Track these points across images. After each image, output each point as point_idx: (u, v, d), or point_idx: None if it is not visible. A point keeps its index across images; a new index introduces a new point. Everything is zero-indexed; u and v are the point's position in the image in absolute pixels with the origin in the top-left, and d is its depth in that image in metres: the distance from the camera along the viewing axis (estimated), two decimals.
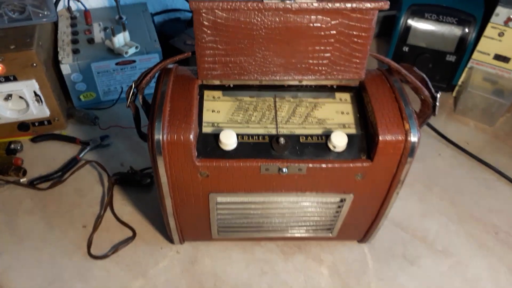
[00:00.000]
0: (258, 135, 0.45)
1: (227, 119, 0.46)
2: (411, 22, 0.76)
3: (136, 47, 0.72)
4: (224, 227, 0.53)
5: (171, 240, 0.56)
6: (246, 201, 0.49)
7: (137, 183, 0.63)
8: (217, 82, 0.47)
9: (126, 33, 0.72)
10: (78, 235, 0.57)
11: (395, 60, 0.56)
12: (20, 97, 0.65)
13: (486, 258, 0.57)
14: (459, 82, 0.78)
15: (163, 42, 0.76)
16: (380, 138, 0.42)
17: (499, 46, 0.71)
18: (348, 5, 0.41)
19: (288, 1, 0.40)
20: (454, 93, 0.80)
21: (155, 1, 0.86)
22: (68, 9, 0.78)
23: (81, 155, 0.67)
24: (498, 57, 0.72)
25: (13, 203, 0.61)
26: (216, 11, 0.41)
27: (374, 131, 0.43)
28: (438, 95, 0.46)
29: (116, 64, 0.71)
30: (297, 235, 0.55)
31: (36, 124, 0.69)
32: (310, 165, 0.44)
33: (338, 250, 0.57)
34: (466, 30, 0.73)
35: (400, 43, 0.78)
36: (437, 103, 0.46)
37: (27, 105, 0.66)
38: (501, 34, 0.69)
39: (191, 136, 0.42)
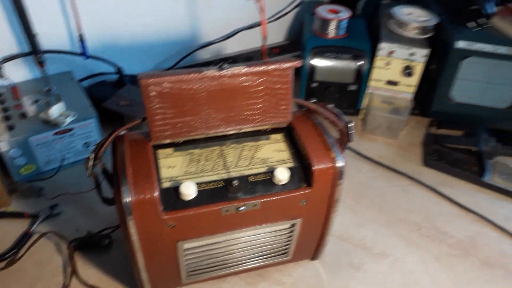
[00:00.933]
0: (214, 181, 0.51)
1: (183, 172, 0.52)
2: (315, 62, 0.89)
3: (73, 115, 0.74)
4: (192, 271, 0.58)
5: None
6: (210, 242, 0.54)
7: (96, 246, 0.65)
8: (168, 141, 0.53)
9: (61, 104, 0.74)
10: None
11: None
12: None
13: (416, 252, 0.68)
14: (363, 106, 0.92)
15: (95, 106, 0.79)
16: (314, 167, 0.51)
17: (388, 73, 0.86)
18: (270, 67, 0.50)
19: (223, 71, 0.48)
20: (361, 116, 0.94)
21: (79, 68, 0.90)
22: None
23: (32, 229, 0.67)
24: (389, 82, 0.87)
25: None
26: (161, 83, 0.48)
27: (309, 163, 0.52)
28: (351, 125, 0.57)
29: (55, 134, 0.73)
30: (258, 264, 0.61)
31: None
32: (263, 200, 0.51)
33: (295, 271, 0.64)
34: (360, 63, 0.87)
35: (308, 80, 0.90)
36: (352, 131, 0.57)
37: None
38: (387, 64, 0.84)
39: (156, 194, 0.47)
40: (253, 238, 0.57)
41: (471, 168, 0.80)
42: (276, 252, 0.61)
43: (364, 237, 0.69)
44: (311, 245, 0.62)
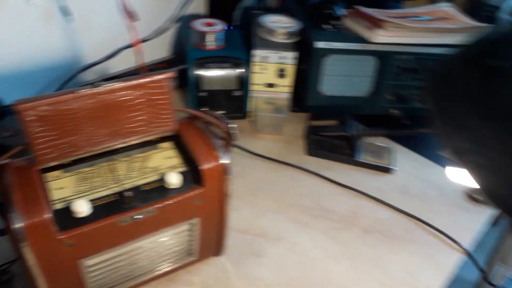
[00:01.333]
0: (106, 196, 0.53)
1: (73, 192, 0.52)
2: (199, 72, 0.94)
3: None
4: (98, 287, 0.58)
5: None
6: (113, 256, 0.56)
7: None
8: (55, 163, 0.53)
9: None
10: None
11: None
12: None
13: (307, 231, 0.76)
14: (250, 109, 0.99)
15: None
16: (202, 167, 0.56)
17: (265, 77, 0.94)
18: (144, 80, 0.53)
19: (96, 88, 0.51)
20: (250, 118, 1.01)
21: None
22: None
23: None
24: (267, 85, 0.95)
25: None
26: (38, 107, 0.49)
27: (197, 165, 0.56)
28: (232, 125, 0.62)
29: None
30: (166, 269, 0.64)
31: None
32: (157, 205, 0.54)
33: (203, 270, 0.68)
34: (240, 70, 0.94)
35: (197, 90, 0.95)
36: (234, 132, 0.62)
37: None
38: (263, 68, 0.93)
39: (47, 215, 0.48)
40: (156, 244, 0.59)
41: (346, 151, 0.91)
42: (182, 254, 0.64)
43: (262, 226, 0.76)
44: (213, 242, 0.66)
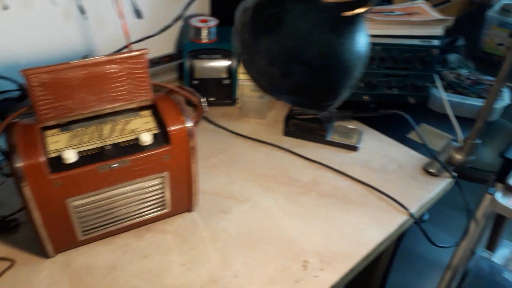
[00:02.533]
0: (91, 149, 0.67)
1: (66, 145, 0.66)
2: (193, 62, 1.07)
3: None
4: (86, 229, 0.72)
5: (46, 256, 0.72)
6: (95, 199, 0.69)
7: (5, 228, 0.77)
8: (53, 123, 0.68)
9: None
10: None
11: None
12: None
13: (271, 195, 0.87)
14: (237, 96, 1.12)
15: (1, 118, 0.90)
16: (170, 129, 0.69)
17: None
18: (125, 55, 0.67)
19: (86, 60, 0.65)
20: (238, 105, 1.13)
21: None
22: None
23: None
24: None
25: None
26: (40, 74, 0.63)
27: (167, 127, 0.69)
28: (202, 99, 0.75)
29: None
30: (143, 218, 0.76)
31: None
32: (131, 157, 0.67)
33: (175, 221, 0.80)
34: (229, 61, 1.07)
35: (190, 79, 1.09)
36: (205, 104, 0.75)
37: None
38: None
39: (42, 159, 0.62)
40: (133, 194, 0.72)
41: (320, 133, 1.01)
42: (156, 205, 0.76)
43: (233, 191, 0.87)
44: (184, 197, 0.79)
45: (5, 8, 0.94)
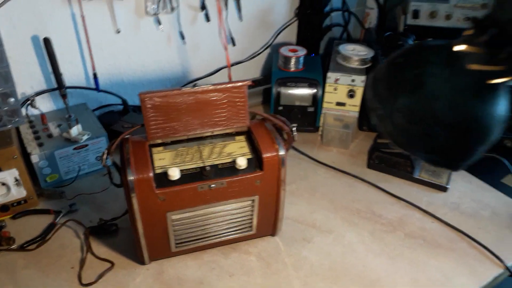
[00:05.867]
0: (193, 168, 0.72)
1: (170, 163, 0.72)
2: (280, 89, 1.11)
3: (88, 134, 0.96)
4: (179, 241, 0.77)
5: (141, 262, 0.78)
6: (191, 215, 0.74)
7: (106, 231, 0.84)
8: (160, 141, 0.74)
9: (79, 125, 0.96)
10: (69, 274, 0.76)
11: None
12: (3, 184, 0.84)
13: (355, 229, 0.86)
14: (320, 124, 1.14)
15: (105, 129, 1.00)
16: (264, 156, 0.72)
17: (336, 96, 1.08)
18: (229, 85, 0.72)
19: (195, 88, 0.70)
20: (319, 133, 1.15)
21: (92, 100, 1.12)
22: (27, 115, 1.01)
23: (57, 220, 0.86)
24: (338, 103, 1.09)
25: (11, 265, 0.78)
26: (154, 98, 0.70)
27: (260, 153, 0.73)
28: (294, 127, 0.78)
29: (74, 149, 0.94)
30: (230, 237, 0.80)
31: (15, 204, 0.87)
32: (228, 179, 0.71)
33: (259, 244, 0.83)
34: (315, 90, 1.10)
35: (276, 105, 1.13)
36: (295, 133, 0.77)
37: (8, 189, 0.85)
38: (335, 89, 1.07)
39: (150, 174, 0.68)
40: (225, 214, 0.76)
41: (406, 169, 1.00)
42: (243, 226, 0.80)
43: (315, 220, 0.88)
44: (270, 221, 0.81)
45: (118, 31, 1.05)
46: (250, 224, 0.80)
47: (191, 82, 1.25)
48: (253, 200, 0.76)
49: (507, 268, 0.78)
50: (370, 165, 1.03)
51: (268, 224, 0.82)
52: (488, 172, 0.99)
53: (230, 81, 0.72)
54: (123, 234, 0.84)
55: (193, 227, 0.76)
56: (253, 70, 1.35)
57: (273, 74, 1.14)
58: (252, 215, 0.78)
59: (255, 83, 1.31)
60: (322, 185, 0.98)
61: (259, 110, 1.12)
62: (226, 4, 1.15)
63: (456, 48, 0.61)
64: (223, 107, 0.74)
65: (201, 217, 0.75)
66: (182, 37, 1.15)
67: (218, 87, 0.72)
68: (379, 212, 0.90)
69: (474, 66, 0.60)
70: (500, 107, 0.64)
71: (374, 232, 0.86)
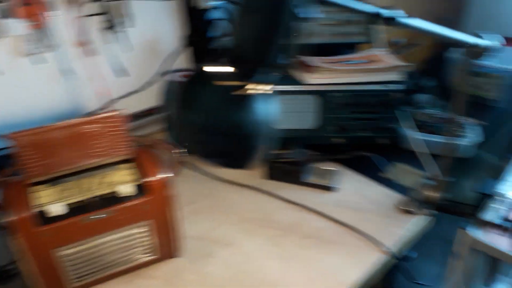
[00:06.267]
0: (76, 202, 0.71)
1: (53, 199, 0.71)
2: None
3: None
4: (76, 276, 0.75)
5: None
6: (82, 248, 0.73)
7: (5, 277, 0.80)
8: (41, 178, 0.73)
9: None
10: None
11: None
12: None
13: (252, 238, 0.90)
14: None
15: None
16: (147, 180, 0.74)
17: None
18: (103, 115, 0.73)
19: (66, 121, 0.70)
20: None
21: None
22: None
23: None
24: None
25: None
26: (27, 137, 0.69)
27: (145, 178, 0.74)
28: (183, 151, 0.81)
29: None
30: (133, 264, 0.80)
31: None
32: (113, 208, 0.72)
33: (164, 266, 0.83)
34: None
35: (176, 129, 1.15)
36: (183, 155, 0.80)
37: None
38: None
39: (29, 213, 0.66)
40: (120, 242, 0.76)
41: (298, 175, 1.07)
42: (144, 251, 0.80)
43: (217, 235, 0.91)
44: (170, 243, 0.82)
45: (1, 73, 1.02)
46: (151, 249, 0.80)
47: (86, 116, 1.23)
48: (148, 225, 0.77)
49: (389, 253, 0.86)
50: (266, 176, 1.08)
51: (169, 246, 0.83)
52: (370, 169, 1.09)
53: (105, 112, 0.73)
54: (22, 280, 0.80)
55: (88, 260, 0.75)
56: (151, 98, 1.37)
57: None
58: (151, 239, 0.79)
59: (152, 111, 1.32)
60: (223, 200, 1.01)
61: (161, 137, 1.13)
62: (115, 36, 1.17)
63: (205, 69, 0.76)
64: (102, 138, 0.75)
65: (94, 248, 0.74)
66: (70, 72, 1.14)
67: (92, 118, 0.73)
68: (277, 218, 0.95)
69: (219, 83, 0.73)
70: (255, 112, 0.77)
71: (271, 238, 0.90)
